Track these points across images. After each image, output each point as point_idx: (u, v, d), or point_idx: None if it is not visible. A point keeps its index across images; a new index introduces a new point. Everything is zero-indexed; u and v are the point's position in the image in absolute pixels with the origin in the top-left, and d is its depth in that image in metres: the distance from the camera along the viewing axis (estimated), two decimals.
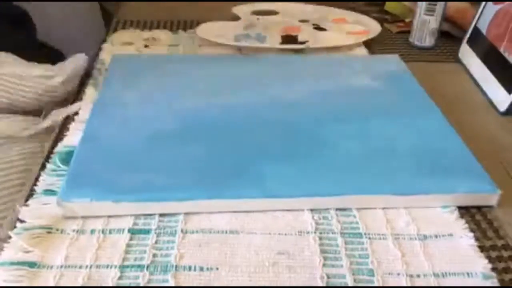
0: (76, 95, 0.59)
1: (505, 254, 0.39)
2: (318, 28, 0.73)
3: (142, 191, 0.41)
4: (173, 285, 0.35)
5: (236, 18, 0.76)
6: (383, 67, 0.62)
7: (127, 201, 0.40)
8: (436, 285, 0.35)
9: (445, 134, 0.49)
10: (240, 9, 0.78)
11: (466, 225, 0.41)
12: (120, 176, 0.42)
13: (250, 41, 0.68)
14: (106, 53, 0.65)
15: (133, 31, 0.72)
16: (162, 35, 0.71)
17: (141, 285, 0.35)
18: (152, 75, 0.58)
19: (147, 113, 0.51)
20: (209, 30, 0.70)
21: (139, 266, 0.36)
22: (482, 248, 0.39)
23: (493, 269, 0.37)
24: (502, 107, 0.57)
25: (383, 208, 0.42)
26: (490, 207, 0.43)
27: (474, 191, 0.43)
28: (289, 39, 0.69)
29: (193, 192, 0.41)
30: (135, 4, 0.81)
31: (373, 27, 0.74)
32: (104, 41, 0.70)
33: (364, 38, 0.71)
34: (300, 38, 0.69)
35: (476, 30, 0.66)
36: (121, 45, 0.68)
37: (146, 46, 0.68)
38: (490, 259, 0.38)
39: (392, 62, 0.64)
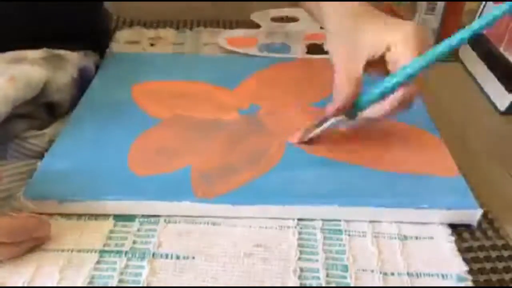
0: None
1: (505, 254, 0.39)
2: None
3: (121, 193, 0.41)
4: (148, 271, 0.36)
5: (254, 25, 0.75)
6: None
7: (107, 199, 0.40)
8: (409, 285, 0.35)
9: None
10: (259, 16, 0.77)
11: (449, 229, 0.40)
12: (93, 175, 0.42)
13: (276, 52, 0.67)
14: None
15: (138, 30, 0.73)
16: (167, 33, 0.72)
17: (118, 270, 0.36)
18: (147, 74, 0.58)
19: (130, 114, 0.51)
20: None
21: (118, 251, 0.37)
22: (482, 248, 0.39)
23: (493, 268, 0.37)
24: (502, 107, 0.57)
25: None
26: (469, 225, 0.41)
27: (456, 207, 0.40)
28: (314, 48, 0.67)
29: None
30: (138, 2, 0.82)
31: None
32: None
33: None
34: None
35: None
36: (126, 43, 0.69)
37: (151, 44, 0.68)
38: (490, 259, 0.38)
39: None
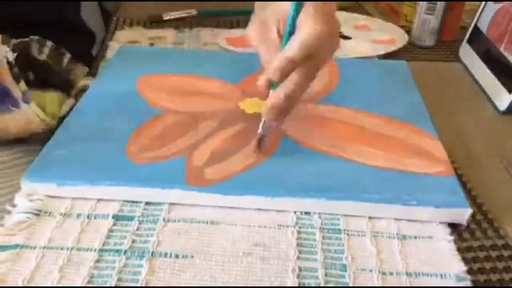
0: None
1: (505, 253, 0.39)
2: (341, 36, 0.71)
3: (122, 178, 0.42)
4: (147, 270, 0.36)
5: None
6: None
7: (99, 185, 0.41)
8: (407, 285, 0.35)
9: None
10: None
11: (448, 229, 0.40)
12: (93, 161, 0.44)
13: None
14: (112, 52, 0.65)
15: (138, 29, 0.73)
16: (167, 33, 0.72)
17: (117, 269, 0.36)
18: (153, 67, 0.59)
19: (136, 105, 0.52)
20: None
21: (117, 250, 0.37)
22: (482, 248, 0.39)
23: (493, 268, 0.37)
24: (502, 106, 0.57)
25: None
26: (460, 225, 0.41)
27: (445, 206, 0.40)
28: None
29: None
30: (138, 2, 0.82)
31: (398, 35, 0.72)
32: (104, 39, 0.71)
33: (393, 48, 0.67)
34: None
35: (476, 29, 0.65)
36: (126, 43, 0.69)
37: (151, 44, 0.69)
38: (490, 259, 0.38)
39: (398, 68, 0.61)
